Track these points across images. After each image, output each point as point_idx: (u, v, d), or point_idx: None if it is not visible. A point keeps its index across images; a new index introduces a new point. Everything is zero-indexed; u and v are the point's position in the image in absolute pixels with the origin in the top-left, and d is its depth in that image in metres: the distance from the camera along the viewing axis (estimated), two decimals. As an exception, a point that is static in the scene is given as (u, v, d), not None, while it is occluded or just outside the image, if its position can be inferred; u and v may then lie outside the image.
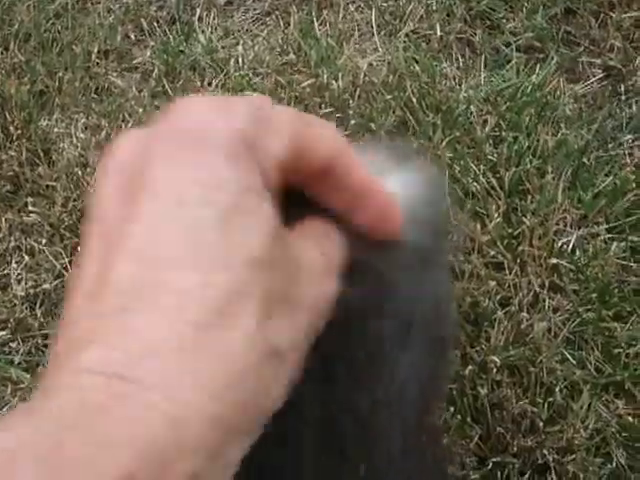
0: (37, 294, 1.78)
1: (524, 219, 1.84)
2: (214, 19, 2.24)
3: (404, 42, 2.18)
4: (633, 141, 2.05)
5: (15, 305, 1.77)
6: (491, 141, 1.98)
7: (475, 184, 1.88)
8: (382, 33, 2.21)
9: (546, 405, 1.64)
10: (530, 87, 2.07)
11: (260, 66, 2.10)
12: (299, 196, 0.65)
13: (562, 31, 2.23)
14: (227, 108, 0.58)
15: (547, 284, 1.78)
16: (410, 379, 1.05)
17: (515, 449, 1.61)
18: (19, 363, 1.73)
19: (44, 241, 1.82)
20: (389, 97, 2.03)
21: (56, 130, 2.00)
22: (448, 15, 2.24)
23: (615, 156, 2.00)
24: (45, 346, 1.74)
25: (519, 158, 1.94)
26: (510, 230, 1.83)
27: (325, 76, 2.04)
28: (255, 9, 2.28)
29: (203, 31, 2.20)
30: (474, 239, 1.80)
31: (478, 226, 1.81)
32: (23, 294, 1.77)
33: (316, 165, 0.59)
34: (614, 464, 1.61)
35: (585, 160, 1.96)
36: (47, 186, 1.89)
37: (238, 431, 0.52)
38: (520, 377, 1.68)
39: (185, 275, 0.52)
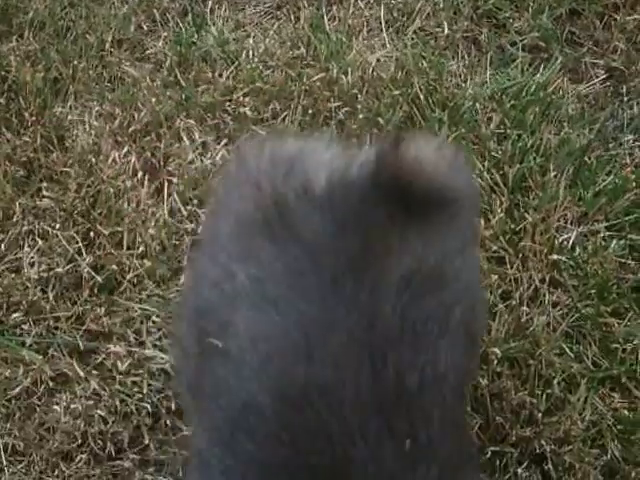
0: (50, 277, 1.81)
1: (526, 215, 1.88)
2: (225, 11, 2.27)
3: (412, 39, 2.21)
4: (634, 141, 2.09)
5: (27, 288, 1.80)
6: (495, 138, 2.02)
7: (479, 180, 1.91)
8: (390, 30, 2.25)
9: (544, 397, 1.68)
10: (534, 86, 2.11)
11: (271, 59, 2.14)
12: None
13: (567, 32, 2.27)
14: None
15: (547, 279, 1.82)
16: (450, 369, 1.11)
17: (514, 439, 1.65)
18: (30, 345, 1.76)
19: (57, 226, 1.85)
20: (397, 93, 2.06)
21: (70, 117, 2.03)
22: (455, 13, 2.28)
23: (616, 156, 2.04)
24: (56, 328, 1.78)
25: (523, 155, 1.97)
26: (512, 226, 1.87)
27: (335, 70, 2.08)
28: (266, 3, 2.31)
29: (215, 23, 2.24)
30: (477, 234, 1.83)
31: (482, 221, 1.84)
32: (36, 277, 1.80)
33: None
34: (609, 456, 1.66)
35: (587, 159, 2.00)
36: (61, 172, 1.92)
37: None
38: (519, 369, 1.72)
39: None
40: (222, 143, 1.99)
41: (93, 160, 1.92)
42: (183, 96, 2.07)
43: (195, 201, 1.89)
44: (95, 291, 1.81)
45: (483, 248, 1.82)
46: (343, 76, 2.08)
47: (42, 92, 2.04)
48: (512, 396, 1.68)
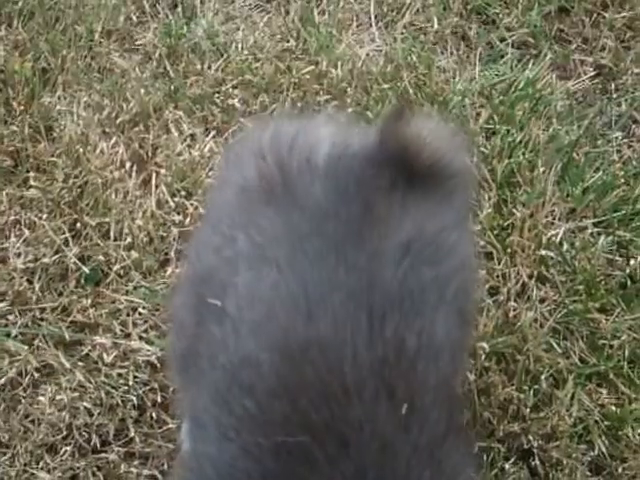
0: (36, 268, 1.81)
1: (514, 211, 1.88)
2: (215, 4, 2.27)
3: (401, 34, 2.21)
4: (622, 138, 2.10)
5: (13, 278, 1.79)
6: (484, 134, 2.02)
7: (468, 175, 1.91)
8: (380, 24, 2.25)
9: (532, 392, 1.69)
10: (523, 82, 2.11)
11: (260, 52, 2.13)
12: None
13: (556, 29, 2.27)
14: None
15: (535, 275, 1.83)
16: (445, 340, 1.13)
17: (501, 434, 1.65)
18: (16, 335, 1.75)
19: (44, 216, 1.84)
20: (386, 87, 2.06)
21: (58, 107, 2.02)
22: (444, 9, 2.28)
23: (604, 152, 2.05)
24: (42, 319, 1.77)
25: (511, 151, 1.98)
26: (501, 221, 1.88)
27: (324, 64, 2.07)
28: (256, -5, 2.31)
29: (205, 15, 2.23)
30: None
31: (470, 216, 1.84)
32: (22, 267, 1.79)
33: None
34: (596, 451, 1.66)
35: (575, 155, 2.01)
36: (48, 162, 1.91)
37: None
38: (507, 364, 1.73)
39: None
40: (210, 135, 1.99)
41: (81, 150, 1.91)
42: (172, 87, 2.06)
43: (183, 193, 1.89)
44: (81, 282, 1.80)
45: (471, 243, 1.83)
46: (332, 69, 2.08)
47: (30, 82, 2.03)
48: (499, 391, 1.68)
